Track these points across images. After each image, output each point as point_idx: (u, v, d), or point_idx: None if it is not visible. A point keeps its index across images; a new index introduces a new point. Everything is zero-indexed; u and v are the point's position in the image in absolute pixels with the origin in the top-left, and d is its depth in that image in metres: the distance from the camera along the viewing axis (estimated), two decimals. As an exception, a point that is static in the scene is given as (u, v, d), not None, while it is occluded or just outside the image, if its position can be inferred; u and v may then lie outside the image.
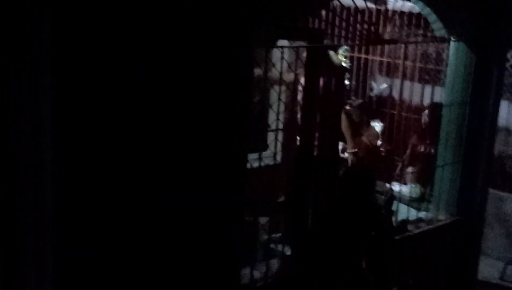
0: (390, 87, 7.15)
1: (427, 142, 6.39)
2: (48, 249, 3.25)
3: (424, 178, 6.27)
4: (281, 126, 5.22)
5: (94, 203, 3.35)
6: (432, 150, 6.13)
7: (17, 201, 3.17)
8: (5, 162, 3.13)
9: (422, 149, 6.45)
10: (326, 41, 5.56)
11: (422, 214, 5.76)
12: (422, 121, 6.62)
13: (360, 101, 7.47)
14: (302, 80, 5.52)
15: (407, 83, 6.89)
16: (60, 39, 3.08)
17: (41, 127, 3.13)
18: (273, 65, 4.47)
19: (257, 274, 4.50)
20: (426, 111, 6.92)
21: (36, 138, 3.13)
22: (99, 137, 3.32)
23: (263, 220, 5.09)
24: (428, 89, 5.77)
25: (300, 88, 5.40)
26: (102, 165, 3.36)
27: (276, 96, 4.68)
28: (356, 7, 5.08)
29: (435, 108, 6.94)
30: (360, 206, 4.71)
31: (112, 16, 3.24)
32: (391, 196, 5.32)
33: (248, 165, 4.14)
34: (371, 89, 8.00)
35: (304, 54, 5.32)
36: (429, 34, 5.87)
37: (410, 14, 5.33)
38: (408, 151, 6.35)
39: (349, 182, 4.78)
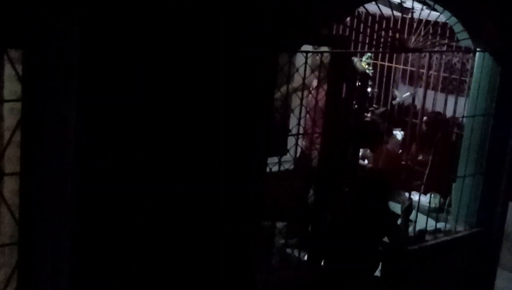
0: (413, 96, 7.11)
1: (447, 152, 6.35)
2: (66, 250, 3.28)
3: (444, 189, 6.23)
4: (301, 131, 5.22)
5: (111, 207, 3.37)
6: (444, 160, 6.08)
7: (38, 202, 3.22)
8: (28, 164, 3.17)
9: (442, 158, 6.41)
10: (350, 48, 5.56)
11: (441, 225, 5.71)
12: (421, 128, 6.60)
13: (383, 109, 7.44)
14: (325, 85, 5.52)
15: (430, 93, 6.87)
16: (86, 49, 3.11)
17: (65, 132, 3.16)
18: (297, 70, 4.47)
19: (273, 279, 4.49)
20: (425, 118, 6.89)
21: (60, 143, 3.18)
22: (120, 144, 3.34)
23: (280, 224, 5.09)
24: (451, 99, 5.72)
25: (322, 93, 5.39)
26: (122, 170, 3.37)
27: (298, 101, 4.66)
28: (382, 15, 5.06)
29: (435, 117, 6.92)
30: (374, 213, 4.70)
31: (134, 27, 3.26)
32: (410, 205, 5.28)
33: (268, 169, 4.13)
34: (394, 97, 7.97)
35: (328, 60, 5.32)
36: (454, 44, 5.83)
37: (436, 23, 5.29)
38: (429, 161, 6.31)
39: (365, 189, 4.79)
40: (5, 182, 3.37)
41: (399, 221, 5.14)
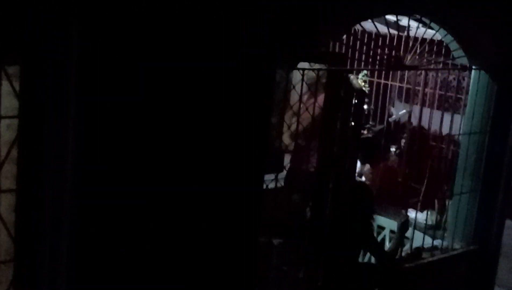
0: (409, 113, 7.13)
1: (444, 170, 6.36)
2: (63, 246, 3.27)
3: (441, 206, 6.23)
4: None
5: (110, 222, 3.36)
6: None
7: (36, 200, 3.21)
8: (25, 181, 3.17)
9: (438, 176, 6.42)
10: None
11: (437, 242, 5.71)
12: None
13: (381, 126, 7.46)
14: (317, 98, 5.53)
15: (426, 110, 6.89)
16: (84, 63, 3.12)
17: (62, 149, 3.16)
18: (293, 87, 4.48)
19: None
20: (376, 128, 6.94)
21: (58, 159, 3.18)
22: (120, 159, 3.34)
23: (276, 241, 5.07)
24: (447, 116, 5.74)
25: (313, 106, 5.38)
26: (120, 184, 3.37)
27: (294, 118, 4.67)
28: (378, 32, 5.09)
29: (416, 131, 6.95)
30: (353, 224, 4.72)
31: (135, 28, 3.27)
32: (406, 221, 5.29)
33: (264, 186, 4.13)
34: (390, 115, 8.00)
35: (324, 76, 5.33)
36: (450, 61, 5.86)
37: (432, 41, 5.32)
38: (426, 178, 6.31)
39: (347, 198, 4.81)
40: (1, 199, 3.36)
41: (387, 243, 5.18)
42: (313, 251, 4.79)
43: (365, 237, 4.90)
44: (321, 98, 5.07)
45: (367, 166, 6.78)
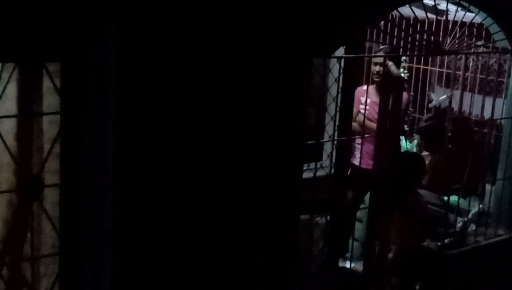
0: (450, 98, 7.03)
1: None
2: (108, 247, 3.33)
3: (484, 191, 6.15)
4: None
5: (152, 214, 3.40)
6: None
7: (79, 194, 3.27)
8: (68, 175, 3.23)
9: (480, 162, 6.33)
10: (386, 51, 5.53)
11: (481, 229, 5.63)
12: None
13: (429, 115, 7.35)
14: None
15: (467, 95, 6.79)
16: (124, 59, 3.16)
17: (103, 143, 3.21)
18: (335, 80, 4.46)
19: (311, 288, 4.48)
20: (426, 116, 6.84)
21: (99, 153, 3.22)
22: (159, 152, 3.38)
23: (316, 232, 5.08)
24: (489, 101, 5.64)
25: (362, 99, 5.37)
26: (161, 178, 3.41)
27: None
28: (416, 17, 5.02)
29: (437, 115, 6.86)
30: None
31: (172, 27, 3.29)
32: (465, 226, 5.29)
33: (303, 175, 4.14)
34: (430, 100, 7.89)
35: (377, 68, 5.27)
36: (491, 45, 5.76)
37: (472, 24, 5.23)
38: (468, 164, 6.22)
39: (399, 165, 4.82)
40: (46, 194, 3.42)
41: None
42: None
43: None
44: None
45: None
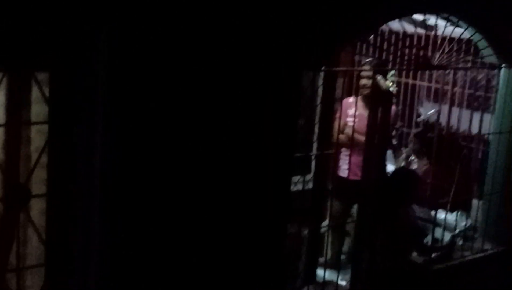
0: (438, 112, 7.06)
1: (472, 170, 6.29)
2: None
3: (471, 206, 6.16)
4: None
5: (139, 226, 3.39)
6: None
7: (67, 205, 3.25)
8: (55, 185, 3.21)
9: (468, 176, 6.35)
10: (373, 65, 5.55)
11: (468, 243, 5.65)
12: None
13: (418, 129, 7.40)
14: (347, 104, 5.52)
15: (455, 110, 6.82)
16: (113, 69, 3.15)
17: (91, 153, 3.20)
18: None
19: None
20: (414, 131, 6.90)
21: (87, 163, 3.21)
22: (148, 163, 3.37)
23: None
24: (477, 116, 5.68)
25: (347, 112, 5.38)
26: (150, 190, 3.40)
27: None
28: (405, 32, 5.05)
29: (426, 129, 6.91)
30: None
31: (160, 48, 3.29)
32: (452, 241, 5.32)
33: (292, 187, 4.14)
34: (419, 115, 7.93)
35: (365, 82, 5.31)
36: (479, 60, 5.80)
37: (460, 40, 5.27)
38: (455, 179, 6.24)
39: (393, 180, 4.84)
40: (32, 204, 3.40)
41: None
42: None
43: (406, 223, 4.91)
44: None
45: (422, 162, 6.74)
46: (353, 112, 5.08)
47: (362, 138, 4.98)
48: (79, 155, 3.21)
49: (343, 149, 5.26)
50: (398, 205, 4.90)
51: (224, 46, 3.51)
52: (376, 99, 4.95)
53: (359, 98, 5.36)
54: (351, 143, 4.93)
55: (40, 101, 3.26)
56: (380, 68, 5.19)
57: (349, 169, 5.26)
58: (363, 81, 5.32)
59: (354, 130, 4.90)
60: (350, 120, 5.20)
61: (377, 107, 4.81)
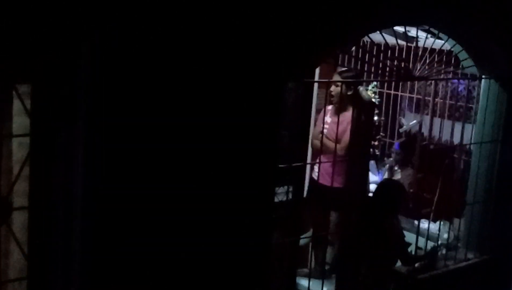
0: (420, 123, 7.12)
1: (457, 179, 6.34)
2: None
3: (454, 216, 6.19)
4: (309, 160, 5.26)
5: (122, 239, 3.38)
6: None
7: (48, 218, 3.23)
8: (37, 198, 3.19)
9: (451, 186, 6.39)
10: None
11: (451, 253, 5.67)
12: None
13: (401, 140, 7.44)
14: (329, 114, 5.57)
15: (437, 120, 6.88)
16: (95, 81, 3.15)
17: (73, 166, 3.18)
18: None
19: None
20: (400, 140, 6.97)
21: (69, 176, 3.20)
22: (130, 175, 3.36)
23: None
24: (458, 126, 5.72)
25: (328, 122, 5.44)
26: (132, 202, 3.39)
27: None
28: (387, 44, 5.09)
29: (409, 139, 6.99)
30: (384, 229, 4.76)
31: (142, 59, 3.30)
32: (435, 251, 5.32)
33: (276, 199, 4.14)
34: (401, 125, 7.98)
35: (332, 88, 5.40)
36: (460, 71, 5.85)
37: (441, 51, 5.31)
38: (438, 189, 6.29)
39: (380, 191, 4.87)
40: (14, 217, 3.37)
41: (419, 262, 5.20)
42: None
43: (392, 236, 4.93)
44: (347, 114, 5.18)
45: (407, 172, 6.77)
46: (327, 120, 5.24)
47: (331, 144, 5.13)
48: (61, 168, 3.20)
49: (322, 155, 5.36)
50: (384, 217, 4.92)
51: (206, 53, 3.52)
52: (359, 110, 5.00)
53: (331, 106, 5.51)
54: (321, 149, 5.14)
55: (21, 114, 3.24)
56: (351, 80, 5.31)
57: (319, 173, 5.38)
58: (331, 88, 5.44)
59: (323, 136, 5.05)
60: (324, 127, 5.33)
61: (359, 118, 4.85)
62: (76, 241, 3.24)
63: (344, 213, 5.28)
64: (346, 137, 5.11)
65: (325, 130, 5.29)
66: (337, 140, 4.97)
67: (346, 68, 5.73)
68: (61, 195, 3.21)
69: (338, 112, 5.32)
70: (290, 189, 4.78)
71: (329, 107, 5.62)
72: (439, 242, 5.62)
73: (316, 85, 5.99)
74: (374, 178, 7.06)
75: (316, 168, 5.61)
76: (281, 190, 4.46)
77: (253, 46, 3.70)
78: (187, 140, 3.55)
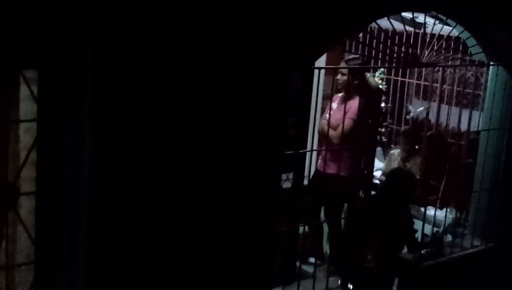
0: (427, 110, 7.09)
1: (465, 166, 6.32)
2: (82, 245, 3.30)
3: (460, 203, 6.19)
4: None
5: (128, 224, 3.39)
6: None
7: (55, 203, 3.24)
8: (44, 183, 3.20)
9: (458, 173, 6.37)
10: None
11: (457, 240, 5.67)
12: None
13: (406, 127, 7.42)
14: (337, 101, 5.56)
15: (444, 107, 6.85)
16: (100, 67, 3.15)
17: (80, 151, 3.19)
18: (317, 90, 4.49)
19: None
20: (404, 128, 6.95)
21: (76, 161, 3.20)
22: (136, 162, 3.37)
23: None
24: (466, 113, 5.70)
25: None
26: (138, 187, 3.40)
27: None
28: (394, 30, 5.06)
29: (414, 127, 6.97)
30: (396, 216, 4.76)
31: (147, 45, 3.29)
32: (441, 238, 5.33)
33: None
34: (408, 112, 7.95)
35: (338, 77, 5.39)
36: (468, 58, 5.82)
37: (449, 37, 5.28)
38: (445, 176, 6.27)
39: (391, 181, 4.86)
40: (21, 202, 3.39)
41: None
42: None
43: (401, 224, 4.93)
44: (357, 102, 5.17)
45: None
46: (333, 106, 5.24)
47: (332, 132, 5.20)
48: (68, 153, 3.21)
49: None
50: (394, 205, 4.90)
51: (209, 43, 3.51)
52: (366, 97, 4.99)
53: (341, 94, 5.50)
54: (323, 136, 5.20)
55: (28, 99, 3.25)
56: (358, 66, 5.30)
57: (320, 160, 5.40)
58: (338, 77, 5.43)
59: (329, 124, 5.04)
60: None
61: (367, 105, 4.84)
62: (83, 226, 3.25)
63: (347, 201, 5.29)
64: (346, 127, 5.09)
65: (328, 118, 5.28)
66: (333, 127, 5.01)
67: (353, 56, 5.71)
68: (68, 180, 3.22)
69: (345, 101, 5.30)
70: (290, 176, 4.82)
71: (339, 95, 5.62)
72: (445, 227, 5.62)
73: (322, 71, 5.98)
74: (380, 165, 7.05)
75: (320, 157, 5.61)
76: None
77: (256, 32, 3.69)
78: (192, 127, 3.55)
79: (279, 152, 3.97)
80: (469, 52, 5.59)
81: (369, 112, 5.20)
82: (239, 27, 3.61)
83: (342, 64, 5.48)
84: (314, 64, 4.42)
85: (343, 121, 4.93)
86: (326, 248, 5.65)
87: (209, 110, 3.60)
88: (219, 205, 3.73)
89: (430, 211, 5.77)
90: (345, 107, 5.01)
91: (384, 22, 4.83)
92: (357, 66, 5.38)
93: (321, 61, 4.64)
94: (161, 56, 3.34)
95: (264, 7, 3.68)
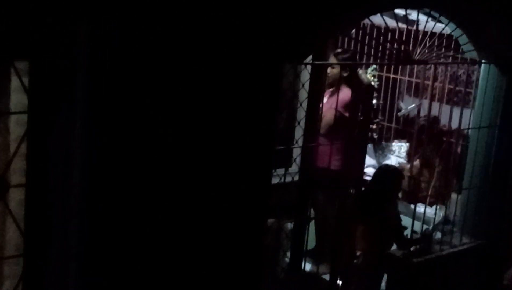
0: (418, 107, 7.11)
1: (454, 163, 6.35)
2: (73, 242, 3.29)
3: (450, 200, 6.22)
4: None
5: (119, 218, 3.38)
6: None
7: (45, 195, 3.23)
8: (34, 176, 3.19)
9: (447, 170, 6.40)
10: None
11: (446, 237, 5.70)
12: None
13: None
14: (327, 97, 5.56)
15: (435, 104, 6.88)
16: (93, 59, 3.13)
17: (71, 144, 3.18)
18: (302, 85, 4.48)
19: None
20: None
21: (66, 154, 3.19)
22: (128, 155, 3.36)
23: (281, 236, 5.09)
24: (457, 111, 5.72)
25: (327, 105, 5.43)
26: (129, 181, 3.39)
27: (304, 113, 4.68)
28: (387, 27, 5.07)
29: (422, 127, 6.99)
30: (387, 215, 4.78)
31: (141, 35, 3.28)
32: (431, 235, 5.34)
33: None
34: (399, 109, 7.99)
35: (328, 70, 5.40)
36: (459, 55, 5.84)
37: (441, 35, 5.30)
38: (435, 173, 6.30)
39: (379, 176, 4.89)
40: (11, 194, 3.38)
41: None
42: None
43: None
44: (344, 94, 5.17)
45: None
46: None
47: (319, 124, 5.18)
48: (59, 145, 3.19)
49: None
50: (381, 201, 4.93)
51: (203, 37, 3.50)
52: (357, 91, 5.00)
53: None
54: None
55: (19, 91, 3.23)
56: (350, 63, 5.31)
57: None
58: (328, 70, 5.45)
59: (321, 118, 5.06)
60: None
61: (359, 101, 4.85)
62: (73, 219, 3.24)
63: (337, 196, 5.31)
64: (328, 117, 5.10)
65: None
66: (320, 120, 5.02)
67: (341, 50, 5.72)
68: (58, 173, 3.21)
69: (333, 93, 5.32)
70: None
71: (330, 90, 5.63)
72: (434, 224, 5.65)
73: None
74: (371, 162, 7.07)
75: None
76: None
77: (251, 27, 3.68)
78: (184, 121, 3.54)
79: (271, 147, 3.97)
80: (461, 50, 5.60)
81: (361, 108, 5.21)
82: (231, 22, 3.59)
83: (332, 58, 5.49)
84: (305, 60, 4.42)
85: (328, 112, 4.97)
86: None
87: (203, 105, 3.59)
88: (212, 200, 3.72)
89: (420, 208, 5.79)
90: (337, 100, 5.01)
91: (377, 19, 4.84)
92: (348, 63, 5.39)
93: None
94: (157, 48, 3.33)
95: (255, 3, 3.67)
